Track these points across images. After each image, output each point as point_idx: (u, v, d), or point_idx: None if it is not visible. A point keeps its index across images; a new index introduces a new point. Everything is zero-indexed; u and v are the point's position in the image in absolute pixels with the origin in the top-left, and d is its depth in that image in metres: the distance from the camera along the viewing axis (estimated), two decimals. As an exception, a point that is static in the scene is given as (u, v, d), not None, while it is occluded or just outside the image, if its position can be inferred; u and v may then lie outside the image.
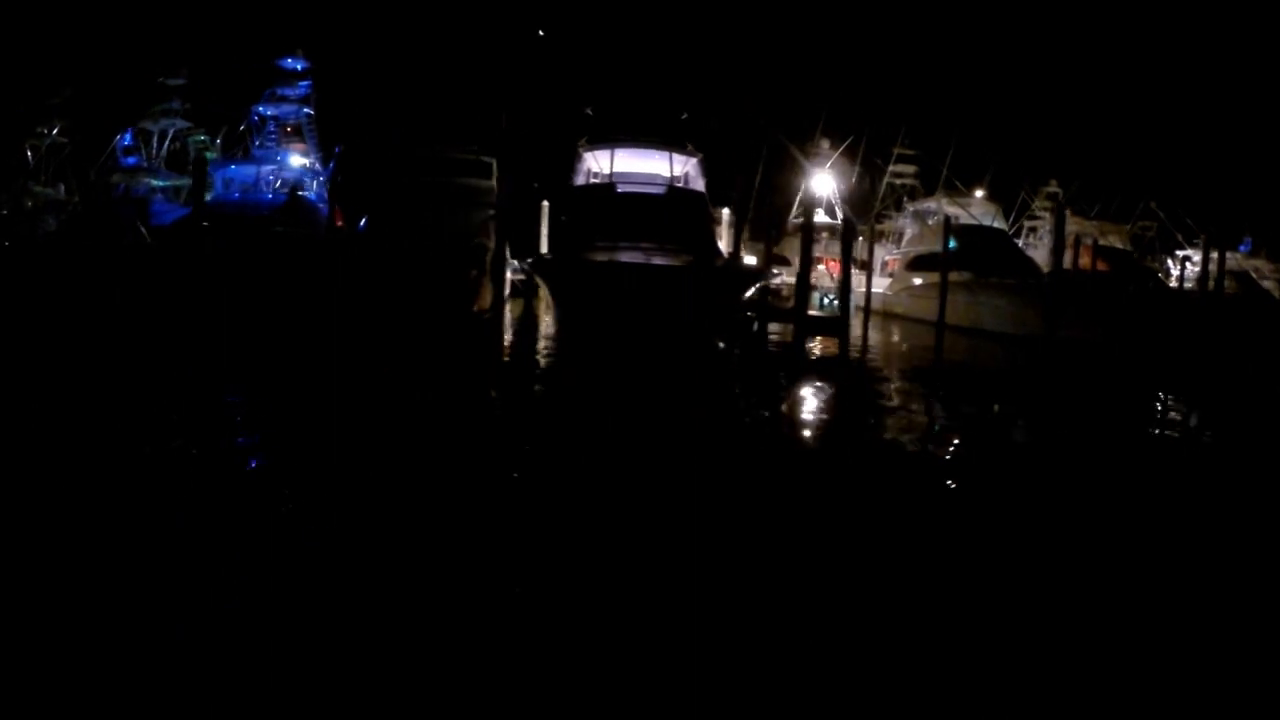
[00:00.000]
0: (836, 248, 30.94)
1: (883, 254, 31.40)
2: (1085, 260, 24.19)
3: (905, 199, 29.96)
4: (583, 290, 14.20)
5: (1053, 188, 30.68)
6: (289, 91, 24.05)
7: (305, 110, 23.99)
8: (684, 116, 22.80)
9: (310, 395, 8.86)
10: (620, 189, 18.16)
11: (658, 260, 14.28)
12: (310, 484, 5.41)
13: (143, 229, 19.17)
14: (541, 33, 34.31)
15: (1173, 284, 26.11)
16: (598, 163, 19.33)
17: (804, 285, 17.13)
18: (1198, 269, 27.34)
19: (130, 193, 24.58)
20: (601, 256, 14.88)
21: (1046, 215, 28.79)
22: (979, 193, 27.75)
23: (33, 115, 27.42)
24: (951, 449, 7.74)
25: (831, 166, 29.92)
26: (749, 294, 15.49)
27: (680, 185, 18.96)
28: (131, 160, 29.53)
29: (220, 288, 16.96)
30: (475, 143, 21.85)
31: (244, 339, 13.84)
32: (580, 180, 19.71)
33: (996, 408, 11.67)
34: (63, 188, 28.54)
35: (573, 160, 21.22)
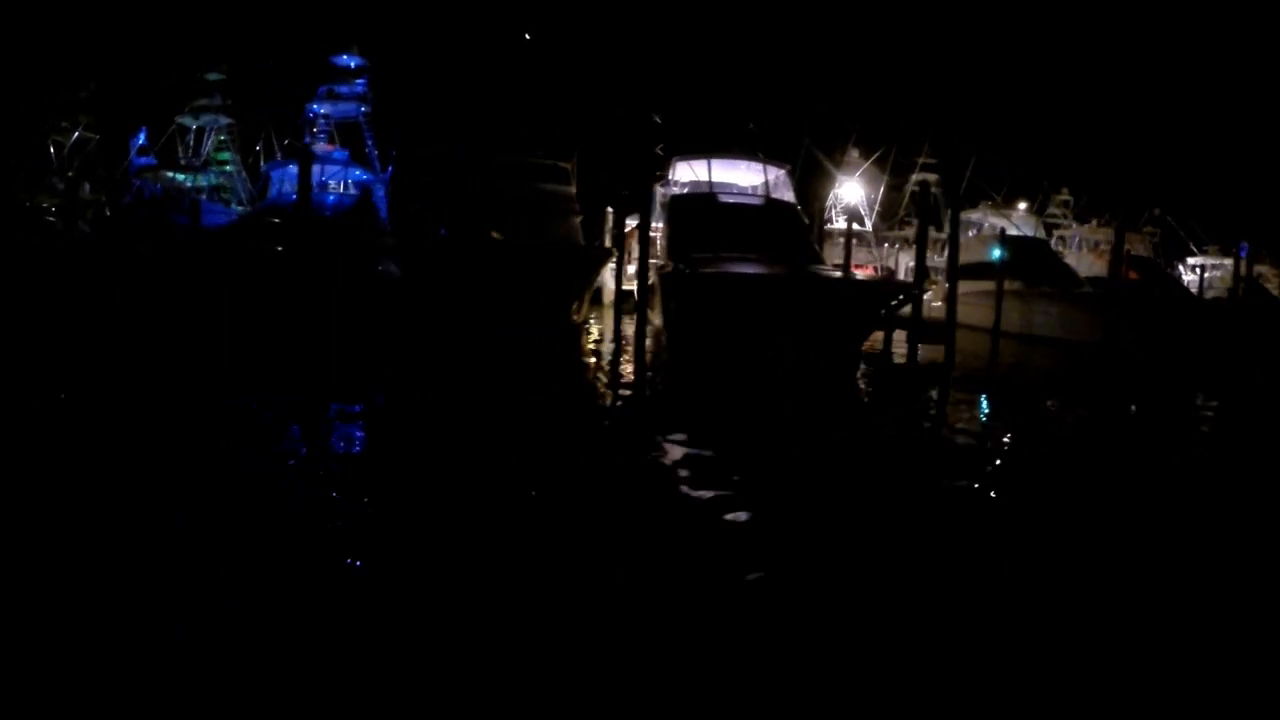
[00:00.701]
0: (863, 254, 31.82)
1: (907, 261, 32.37)
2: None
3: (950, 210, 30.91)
4: (728, 303, 14.25)
5: (1065, 195, 32.12)
6: (345, 89, 23.43)
7: (363, 109, 23.42)
8: (751, 126, 23.15)
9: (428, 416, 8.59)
10: (721, 199, 18.38)
11: (767, 271, 14.52)
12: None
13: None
14: (528, 36, 34.06)
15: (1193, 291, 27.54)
16: (693, 172, 19.48)
17: (920, 295, 17.64)
18: (1213, 275, 29.11)
19: (172, 193, 23.62)
20: (736, 268, 15.05)
21: (1074, 224, 30.13)
22: (1021, 205, 28.89)
23: (56, 111, 25.97)
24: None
25: (861, 175, 30.71)
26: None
27: (773, 196, 19.32)
28: (145, 160, 28.30)
29: (293, 292, 16.50)
30: (541, 147, 21.75)
31: (328, 348, 13.59)
32: (672, 190, 19.84)
33: (1134, 408, 12.58)
34: (88, 186, 27.12)
35: (652, 168, 21.32)
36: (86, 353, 12.94)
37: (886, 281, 14.50)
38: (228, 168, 27.72)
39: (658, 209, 19.89)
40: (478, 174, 20.13)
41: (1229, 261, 29.84)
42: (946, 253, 29.06)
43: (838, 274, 14.92)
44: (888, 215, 31.87)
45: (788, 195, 19.79)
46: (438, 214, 19.44)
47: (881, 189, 30.27)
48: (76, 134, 26.25)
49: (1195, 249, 30.56)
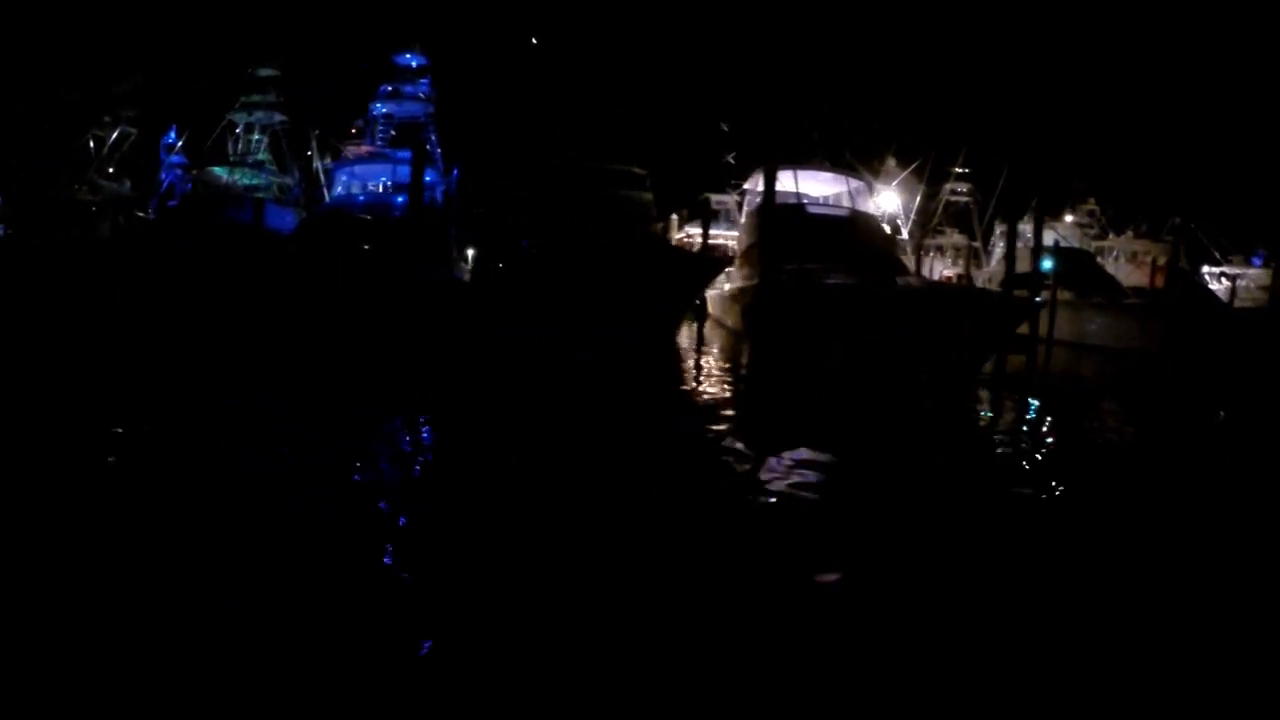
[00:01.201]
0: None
1: (941, 269, 32.98)
2: (1159, 280, 26.35)
3: (997, 221, 31.70)
4: (855, 316, 14.43)
5: (1091, 205, 32.94)
6: (410, 89, 23.12)
7: (428, 109, 23.11)
8: (815, 136, 23.38)
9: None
10: (810, 211, 18.60)
11: (896, 284, 14.72)
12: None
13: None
14: (535, 40, 33.90)
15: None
16: (780, 183, 19.59)
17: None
18: (1244, 284, 30.03)
19: (225, 191, 23.19)
20: (846, 280, 15.24)
21: (1112, 234, 30.99)
22: (1069, 217, 29.59)
23: (97, 105, 25.29)
24: None
25: (898, 185, 31.14)
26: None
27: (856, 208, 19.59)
28: (177, 158, 27.68)
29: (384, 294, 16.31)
30: (608, 153, 21.67)
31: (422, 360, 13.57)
32: (755, 201, 19.96)
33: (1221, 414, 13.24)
34: (129, 183, 26.40)
35: (725, 176, 21.44)
36: (185, 351, 12.98)
37: (1022, 299, 14.67)
38: (266, 166, 27.17)
39: (741, 218, 20.00)
40: (556, 180, 20.08)
41: (1252, 271, 30.93)
42: (997, 263, 29.73)
43: (984, 289, 15.17)
44: (922, 224, 32.36)
45: (867, 206, 20.08)
46: (518, 222, 19.32)
47: (918, 198, 30.78)
48: (118, 130, 25.56)
49: (1220, 258, 31.53)
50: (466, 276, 21.92)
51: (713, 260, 17.03)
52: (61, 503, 5.07)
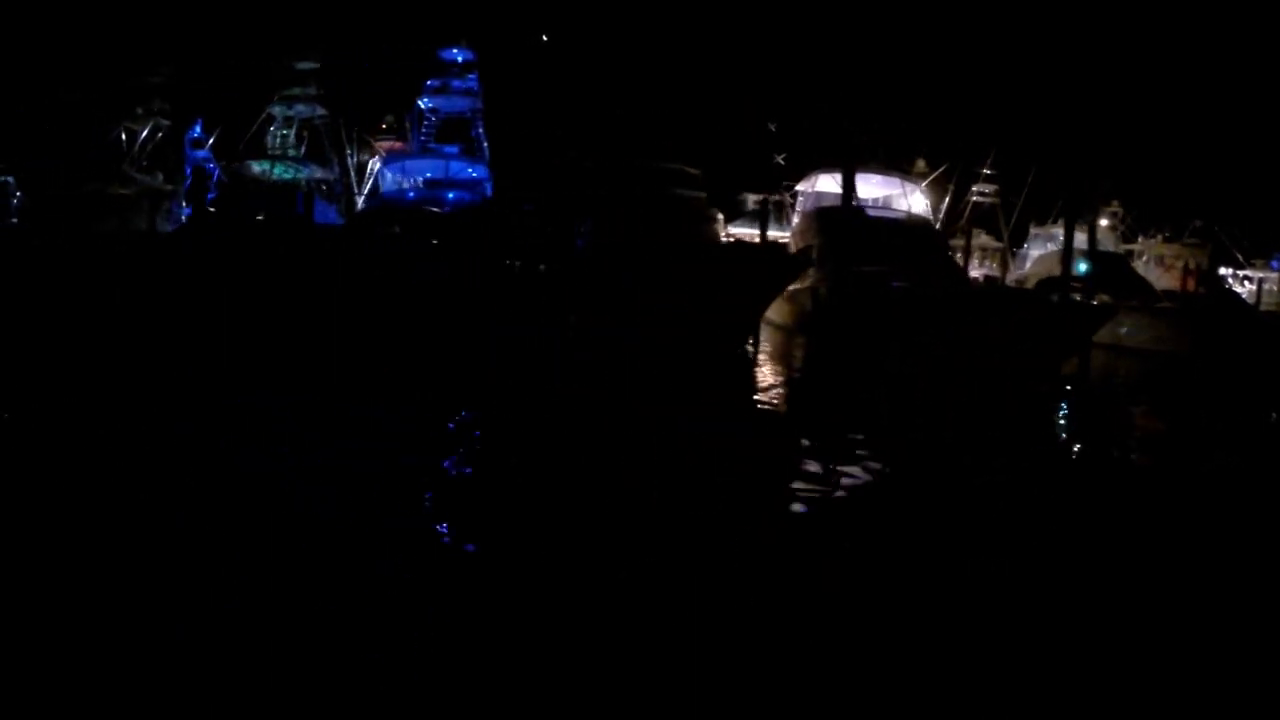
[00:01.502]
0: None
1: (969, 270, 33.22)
2: (1189, 284, 26.77)
3: (1032, 224, 31.93)
4: (925, 319, 14.63)
5: (1115, 207, 33.27)
6: (459, 84, 23.02)
7: (475, 104, 23.01)
8: (863, 138, 23.49)
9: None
10: (869, 214, 18.76)
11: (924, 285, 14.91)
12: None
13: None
14: (545, 38, 33.75)
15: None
16: (836, 184, 19.75)
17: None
18: (1268, 288, 30.43)
19: (268, 186, 22.98)
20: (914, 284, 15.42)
21: (1141, 239, 31.37)
22: (1103, 221, 29.90)
23: (129, 97, 24.94)
24: None
25: (927, 185, 31.31)
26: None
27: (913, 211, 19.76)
28: (202, 154, 27.38)
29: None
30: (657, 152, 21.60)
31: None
32: (809, 202, 20.08)
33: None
34: (161, 175, 26.05)
35: (777, 177, 21.52)
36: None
37: (1105, 305, 14.94)
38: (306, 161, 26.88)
39: (794, 218, 20.09)
40: (611, 179, 20.05)
41: (1274, 274, 31.39)
42: (1032, 265, 30.03)
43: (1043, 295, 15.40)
44: (948, 224, 32.56)
45: (921, 209, 20.26)
46: (575, 222, 19.24)
47: (946, 200, 30.94)
48: (151, 122, 25.24)
49: (1243, 261, 31.93)
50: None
51: (794, 260, 17.09)
52: (62, 502, 5.16)
